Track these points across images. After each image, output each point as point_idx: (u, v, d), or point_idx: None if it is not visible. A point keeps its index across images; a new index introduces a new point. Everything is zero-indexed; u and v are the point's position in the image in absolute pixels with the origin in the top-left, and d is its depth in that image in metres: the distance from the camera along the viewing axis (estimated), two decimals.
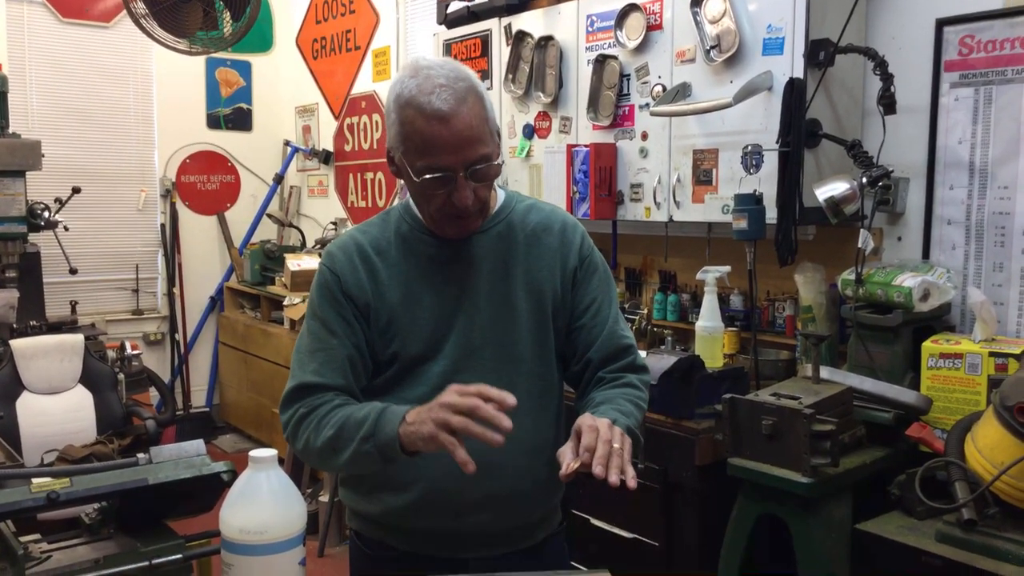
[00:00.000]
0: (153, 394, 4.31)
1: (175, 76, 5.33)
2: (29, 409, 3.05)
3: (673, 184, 2.81)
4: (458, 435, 1.21)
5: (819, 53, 2.42)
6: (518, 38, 3.31)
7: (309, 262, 4.69)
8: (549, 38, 3.20)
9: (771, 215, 2.48)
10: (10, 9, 4.83)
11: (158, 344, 5.45)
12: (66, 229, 3.96)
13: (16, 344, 3.14)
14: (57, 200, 3.89)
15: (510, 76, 3.35)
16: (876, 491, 2.08)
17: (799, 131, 2.41)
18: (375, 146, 5.01)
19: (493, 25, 3.48)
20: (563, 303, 1.51)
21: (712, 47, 2.63)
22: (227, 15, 3.77)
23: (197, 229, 5.58)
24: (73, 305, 4.39)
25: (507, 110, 3.42)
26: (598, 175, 2.98)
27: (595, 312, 1.51)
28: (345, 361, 1.43)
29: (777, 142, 2.45)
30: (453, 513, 1.44)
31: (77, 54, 5.05)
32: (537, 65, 3.24)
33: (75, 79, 5.04)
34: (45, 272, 4.13)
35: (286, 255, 4.92)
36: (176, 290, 5.43)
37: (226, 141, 5.67)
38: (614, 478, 1.18)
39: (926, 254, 2.49)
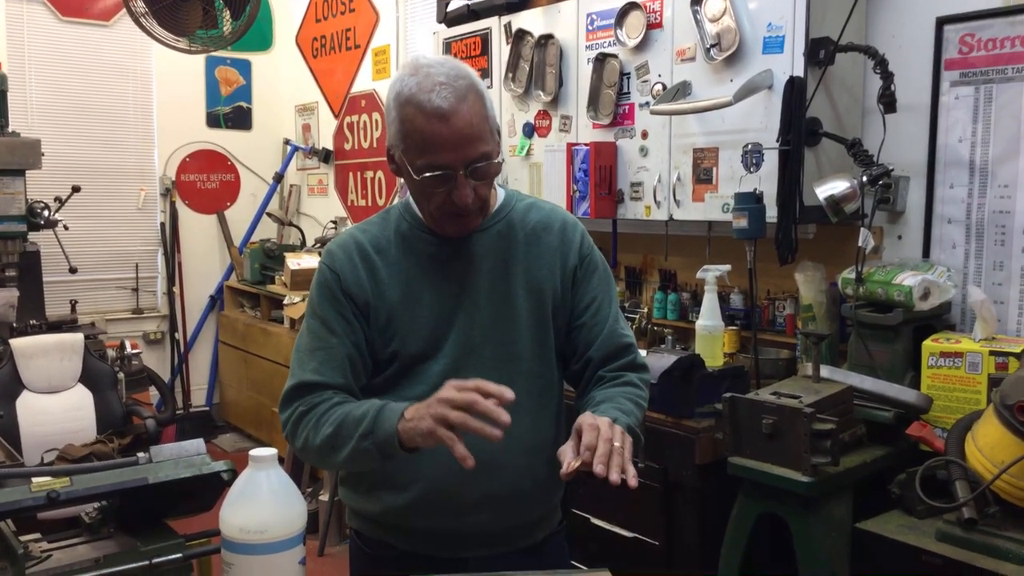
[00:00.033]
0: (153, 393, 4.32)
1: (175, 75, 5.33)
2: (29, 408, 3.04)
3: (673, 183, 2.81)
4: (457, 430, 1.21)
5: (819, 51, 2.42)
6: (518, 37, 3.31)
7: (309, 261, 4.69)
8: (549, 36, 3.20)
9: (771, 214, 2.48)
10: (10, 8, 4.82)
11: (158, 343, 5.45)
12: (66, 228, 3.95)
13: (16, 343, 3.14)
14: (57, 199, 3.89)
15: (510, 75, 3.35)
16: (876, 490, 2.08)
17: (799, 130, 2.41)
18: (375, 145, 5.01)
19: (493, 23, 3.48)
20: (563, 302, 1.51)
21: (712, 45, 2.63)
22: (227, 14, 3.77)
23: (197, 228, 5.58)
24: (73, 304, 4.39)
25: (507, 109, 3.41)
26: (598, 174, 2.98)
27: (595, 311, 1.51)
28: (345, 360, 1.43)
29: (777, 141, 2.45)
30: (453, 512, 1.44)
31: (77, 53, 5.05)
32: (537, 64, 3.24)
33: (75, 78, 5.04)
34: (45, 271, 4.13)
35: (286, 254, 4.92)
36: (176, 289, 5.42)
37: (226, 140, 5.67)
38: (615, 476, 1.17)
39: (926, 253, 2.48)
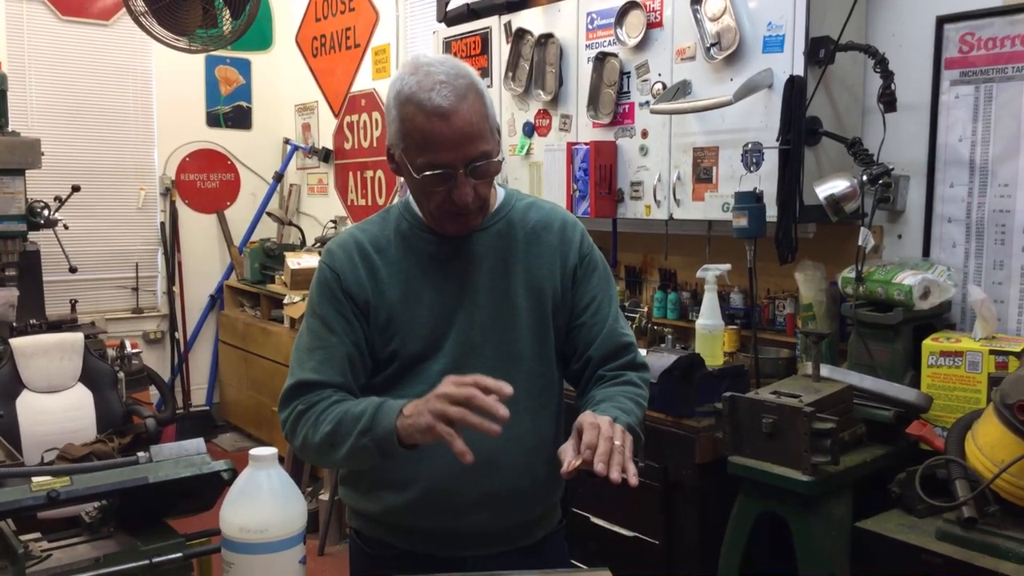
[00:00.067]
0: (153, 393, 4.32)
1: (174, 74, 5.33)
2: (29, 408, 3.05)
3: (673, 182, 2.81)
4: (456, 426, 1.21)
5: (819, 50, 2.42)
6: (518, 36, 3.30)
7: (309, 260, 4.69)
8: (549, 36, 3.19)
9: (771, 213, 2.48)
10: (9, 7, 4.82)
11: (158, 343, 5.45)
12: (66, 227, 3.96)
13: (16, 343, 3.13)
14: (57, 198, 3.89)
15: (510, 74, 3.35)
16: (876, 489, 2.08)
17: (799, 129, 2.41)
18: (375, 144, 5.01)
19: (493, 23, 3.47)
20: (563, 301, 1.51)
21: (712, 45, 2.62)
22: (226, 13, 3.77)
23: (197, 227, 5.58)
24: (73, 304, 4.39)
25: (507, 108, 3.41)
26: (598, 173, 2.98)
27: (595, 310, 1.51)
28: (344, 359, 1.43)
29: (777, 140, 2.45)
30: (453, 512, 1.44)
31: (76, 52, 5.04)
32: (537, 63, 3.24)
33: (74, 77, 5.04)
34: (45, 271, 4.13)
35: (286, 253, 4.92)
36: (176, 288, 5.42)
37: (226, 139, 5.67)
38: (615, 475, 1.17)
39: (926, 252, 2.48)
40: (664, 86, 2.80)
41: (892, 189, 2.45)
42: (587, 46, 3.07)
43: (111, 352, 3.52)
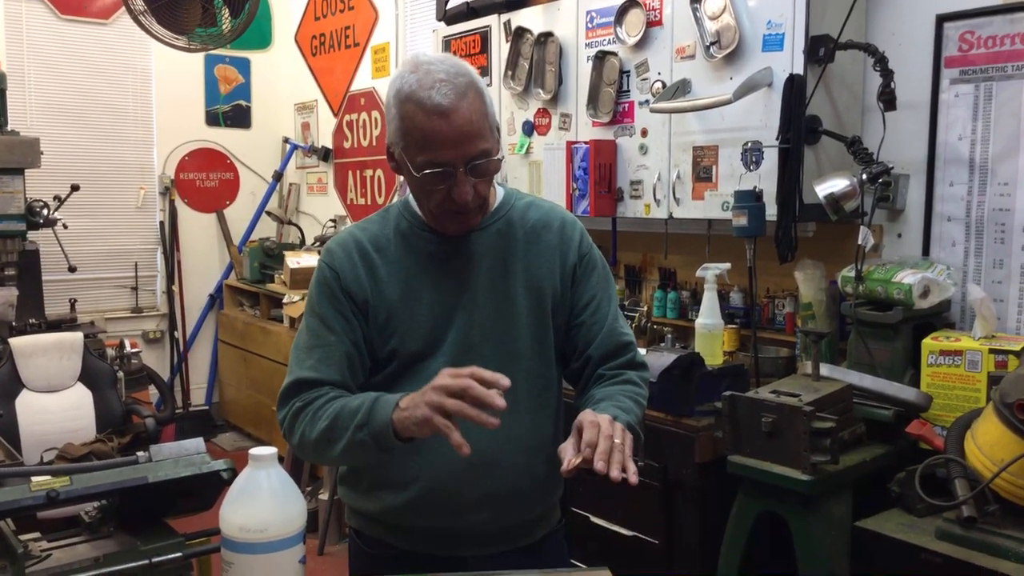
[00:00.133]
0: (152, 392, 4.31)
1: (174, 73, 5.33)
2: (28, 407, 3.04)
3: (673, 181, 2.80)
4: (453, 419, 1.20)
5: (819, 49, 2.42)
6: (517, 34, 3.30)
7: (308, 259, 4.69)
8: (548, 34, 3.19)
9: (771, 212, 2.47)
10: (8, 6, 4.82)
11: (157, 342, 5.45)
12: (65, 227, 3.96)
13: (15, 342, 3.13)
14: (56, 198, 3.89)
15: (509, 72, 3.35)
16: (876, 488, 2.08)
17: (799, 127, 2.41)
18: (374, 143, 5.00)
19: (492, 21, 3.47)
20: (562, 300, 1.51)
21: (712, 43, 2.62)
22: (226, 12, 3.76)
23: (196, 227, 5.57)
24: (72, 303, 4.39)
25: (506, 107, 3.41)
26: (598, 172, 2.98)
27: (594, 309, 1.51)
28: (343, 358, 1.43)
29: (777, 139, 2.45)
30: (452, 511, 1.44)
31: (76, 51, 5.04)
32: (536, 61, 3.24)
33: (74, 76, 5.03)
34: (44, 270, 4.13)
35: (285, 252, 4.92)
36: (175, 288, 5.42)
37: (225, 138, 5.67)
38: (615, 473, 1.17)
39: (926, 251, 2.48)
40: (664, 85, 2.80)
41: (892, 188, 2.45)
42: (587, 45, 3.07)
43: (110, 351, 3.52)
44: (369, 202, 5.07)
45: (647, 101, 2.85)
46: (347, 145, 5.25)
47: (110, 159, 5.20)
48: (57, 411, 3.08)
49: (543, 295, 1.49)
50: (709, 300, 2.67)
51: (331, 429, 1.35)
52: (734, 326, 2.86)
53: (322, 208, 5.53)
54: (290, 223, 5.55)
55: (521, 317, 1.47)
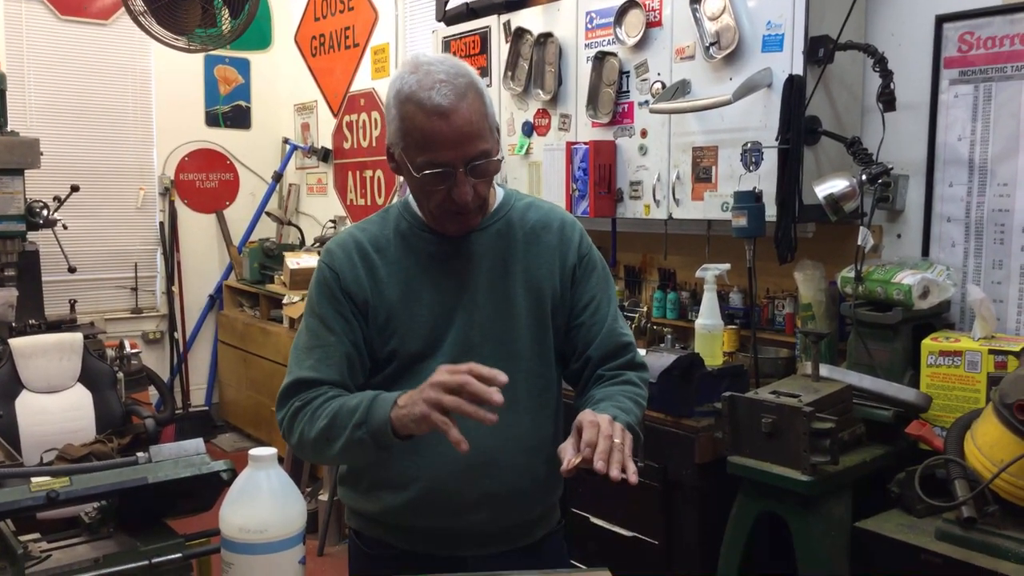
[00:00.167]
0: (152, 393, 4.31)
1: (173, 74, 5.33)
2: (28, 408, 3.04)
3: (672, 181, 2.81)
4: (452, 416, 1.20)
5: (818, 50, 2.42)
6: (517, 35, 3.30)
7: (308, 260, 4.69)
8: (548, 35, 3.19)
9: (771, 212, 2.48)
10: (8, 7, 4.82)
11: (157, 343, 5.45)
12: (65, 227, 3.95)
13: (15, 343, 3.13)
14: (56, 198, 3.89)
15: (509, 73, 3.35)
16: (876, 489, 2.08)
17: (799, 128, 2.41)
18: (374, 144, 5.01)
19: (492, 22, 3.47)
20: (562, 301, 1.51)
21: (711, 44, 2.62)
22: (226, 12, 3.77)
23: (196, 227, 5.57)
24: (72, 304, 4.39)
25: (506, 107, 3.41)
26: (597, 173, 2.98)
27: (594, 310, 1.51)
28: (343, 358, 1.43)
29: (777, 139, 2.45)
30: (452, 511, 1.44)
31: (75, 52, 5.04)
32: (536, 62, 3.24)
33: (73, 77, 5.04)
34: (44, 271, 4.13)
35: (285, 253, 4.92)
36: (175, 288, 5.42)
37: (225, 139, 5.67)
38: (615, 473, 1.18)
39: (926, 251, 2.48)
40: (663, 85, 2.80)
41: (891, 188, 2.45)
42: (586, 45, 3.07)
43: (110, 352, 3.52)
44: (369, 203, 5.07)
45: (647, 102, 2.85)
46: (347, 146, 5.25)
47: (110, 160, 5.20)
48: (57, 412, 3.08)
49: (543, 296, 1.49)
50: (709, 301, 2.67)
51: (330, 428, 1.35)
52: (734, 327, 2.86)
53: (322, 209, 5.53)
54: (290, 224, 5.55)
55: (521, 318, 1.47)
